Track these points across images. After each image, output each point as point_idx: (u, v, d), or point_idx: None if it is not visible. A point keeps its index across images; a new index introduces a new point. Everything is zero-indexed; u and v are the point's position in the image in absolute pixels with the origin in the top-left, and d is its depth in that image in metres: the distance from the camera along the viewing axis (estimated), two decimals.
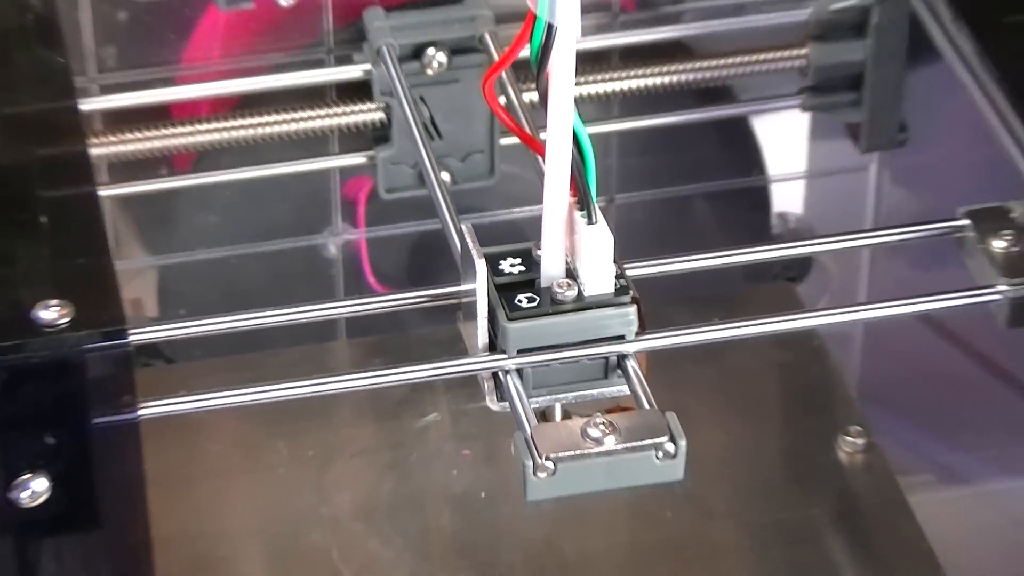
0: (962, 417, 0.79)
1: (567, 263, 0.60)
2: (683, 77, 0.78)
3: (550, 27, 0.56)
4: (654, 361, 0.61)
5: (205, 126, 0.75)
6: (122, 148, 0.75)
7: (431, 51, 0.74)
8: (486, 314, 0.60)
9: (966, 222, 0.65)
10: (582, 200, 0.59)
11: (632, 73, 0.78)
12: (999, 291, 0.63)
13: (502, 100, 0.68)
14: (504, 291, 0.60)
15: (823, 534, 0.76)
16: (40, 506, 0.57)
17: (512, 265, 0.60)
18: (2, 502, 0.57)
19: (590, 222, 0.59)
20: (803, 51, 0.78)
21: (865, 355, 0.84)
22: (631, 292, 0.60)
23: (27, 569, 0.59)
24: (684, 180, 0.83)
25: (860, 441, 0.77)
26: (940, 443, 0.80)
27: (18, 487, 0.57)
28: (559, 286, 0.60)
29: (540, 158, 0.59)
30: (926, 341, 0.77)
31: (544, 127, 0.58)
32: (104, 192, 0.75)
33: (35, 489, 0.57)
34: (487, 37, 0.74)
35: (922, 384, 0.81)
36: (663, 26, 0.81)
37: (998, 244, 0.64)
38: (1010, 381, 0.73)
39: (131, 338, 0.57)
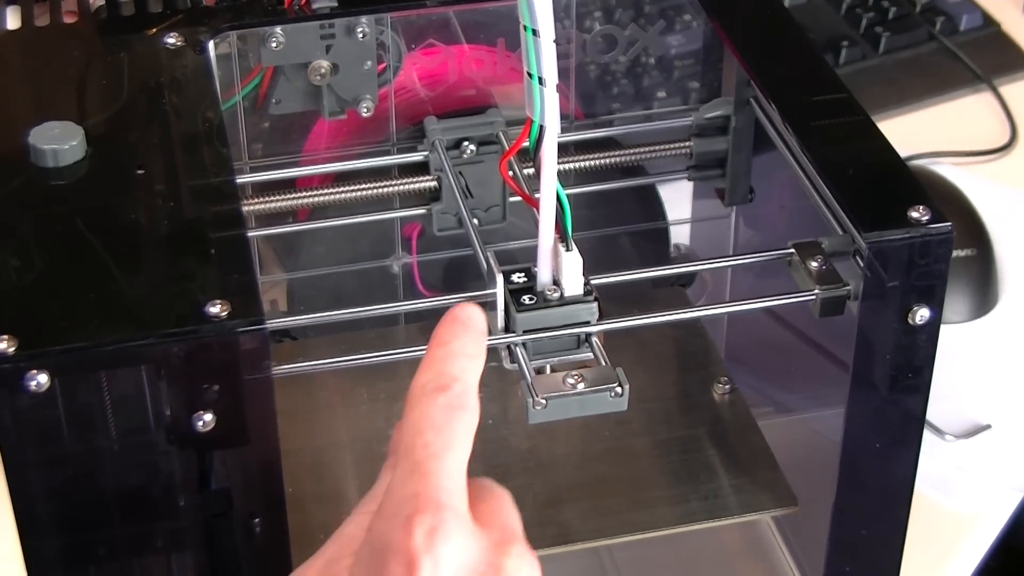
0: (790, 372, 0.79)
1: (554, 275, 0.60)
2: (613, 160, 0.78)
3: (541, 128, 0.56)
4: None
5: (317, 191, 0.75)
6: (264, 206, 0.74)
7: (466, 143, 0.74)
8: (503, 308, 0.60)
9: (792, 250, 0.64)
10: (563, 235, 0.59)
11: (582, 157, 0.77)
12: (814, 294, 0.63)
13: (511, 174, 0.68)
14: (514, 294, 0.60)
15: (703, 445, 0.76)
16: (209, 431, 0.57)
17: (519, 277, 0.60)
18: (185, 428, 0.57)
19: (568, 249, 0.59)
20: (688, 143, 0.77)
21: (729, 333, 0.84)
22: (594, 293, 0.60)
23: (201, 472, 0.58)
24: (616, 224, 0.83)
25: (726, 387, 0.78)
26: (777, 388, 0.80)
27: (195, 418, 0.56)
28: (549, 290, 0.60)
29: (535, 209, 0.59)
30: (767, 324, 0.77)
31: (537, 190, 0.58)
32: (252, 233, 0.74)
33: (205, 420, 0.56)
34: (501, 134, 0.74)
35: (765, 351, 0.81)
36: (601, 128, 0.81)
37: (813, 264, 0.64)
38: (820, 350, 0.73)
39: (267, 325, 0.56)
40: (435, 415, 0.53)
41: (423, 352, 0.58)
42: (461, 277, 0.81)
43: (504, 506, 0.54)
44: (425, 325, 0.79)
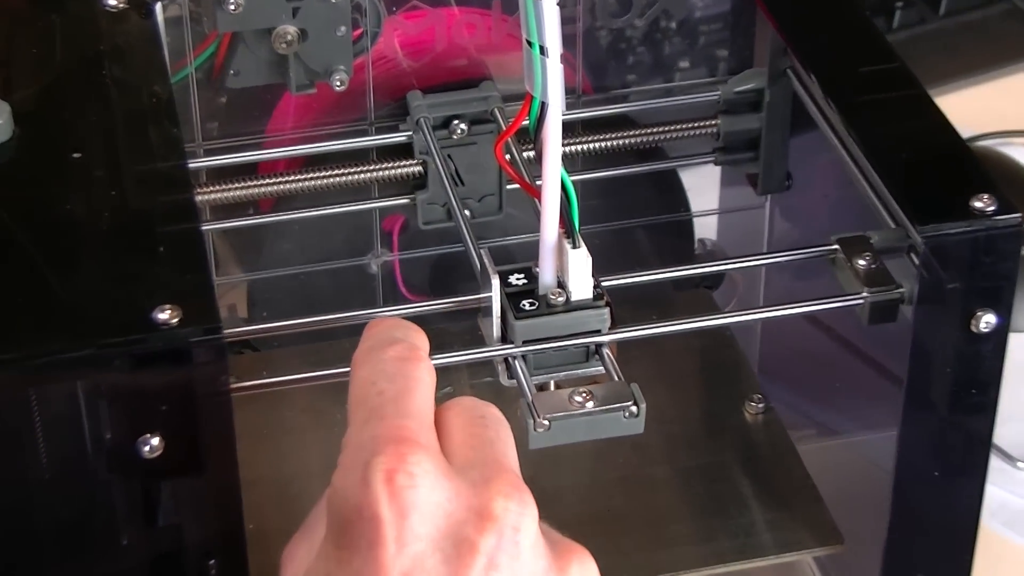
0: (835, 388, 0.79)
1: (558, 276, 0.60)
2: (628, 141, 0.78)
3: (543, 104, 0.56)
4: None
5: (282, 178, 0.75)
6: (221, 195, 0.74)
7: (456, 122, 0.74)
8: (499, 314, 0.60)
9: (836, 247, 0.65)
10: (568, 230, 0.59)
11: (591, 138, 0.78)
12: (862, 297, 0.63)
13: (508, 157, 0.68)
14: (512, 298, 0.60)
15: (733, 474, 0.76)
16: (157, 457, 0.57)
17: (518, 279, 0.61)
18: (129, 454, 0.56)
19: (575, 246, 0.59)
20: (715, 122, 0.78)
21: (763, 343, 0.84)
22: (605, 298, 0.60)
23: (147, 505, 0.58)
24: (631, 216, 0.83)
25: (760, 406, 0.78)
26: (819, 407, 0.80)
27: (141, 443, 0.56)
28: (552, 293, 0.60)
29: (536, 200, 0.59)
30: (807, 332, 0.78)
31: (538, 177, 0.58)
32: (207, 227, 0.75)
33: (153, 444, 0.56)
34: (497, 112, 0.75)
35: (805, 364, 0.81)
36: (613, 104, 0.82)
37: (860, 263, 0.64)
38: (869, 362, 0.73)
39: (225, 334, 0.56)
40: (387, 367, 0.53)
41: None
42: (450, 278, 0.81)
43: (488, 432, 0.53)
44: None
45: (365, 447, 0.51)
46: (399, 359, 0.53)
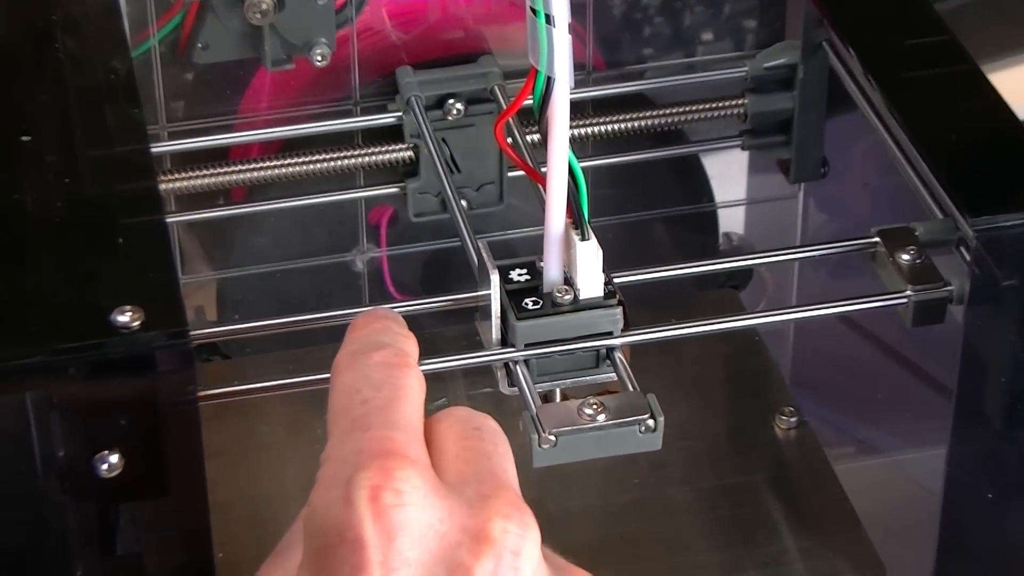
0: (876, 399, 0.79)
1: (565, 272, 0.60)
2: (644, 123, 0.79)
3: (549, 80, 0.56)
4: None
5: (256, 165, 0.75)
6: (187, 183, 0.75)
7: (451, 101, 0.75)
8: (499, 314, 0.60)
9: (877, 240, 0.65)
10: (576, 220, 0.59)
11: (603, 120, 0.78)
12: (906, 296, 0.63)
13: (509, 141, 0.68)
14: (513, 296, 0.60)
15: (763, 496, 0.76)
16: (116, 477, 0.57)
17: (520, 275, 0.61)
18: (84, 473, 0.57)
19: (583, 238, 0.59)
20: (742, 101, 0.78)
21: (795, 349, 0.84)
22: (617, 296, 0.60)
23: (104, 531, 0.58)
24: (647, 207, 0.83)
25: (792, 419, 0.78)
26: (858, 421, 0.80)
27: (98, 460, 0.56)
28: (559, 291, 0.60)
29: (541, 187, 0.59)
30: (845, 337, 0.78)
31: (543, 163, 0.58)
32: (172, 219, 0.75)
33: (111, 462, 0.56)
34: (497, 90, 0.75)
35: (842, 372, 0.81)
36: (628, 82, 0.82)
37: (904, 257, 0.64)
38: (914, 370, 0.73)
39: (192, 338, 0.56)
40: (372, 373, 0.53)
41: None
42: (444, 276, 0.81)
43: (484, 445, 0.53)
44: None
45: (348, 461, 0.51)
46: (386, 365, 0.54)
